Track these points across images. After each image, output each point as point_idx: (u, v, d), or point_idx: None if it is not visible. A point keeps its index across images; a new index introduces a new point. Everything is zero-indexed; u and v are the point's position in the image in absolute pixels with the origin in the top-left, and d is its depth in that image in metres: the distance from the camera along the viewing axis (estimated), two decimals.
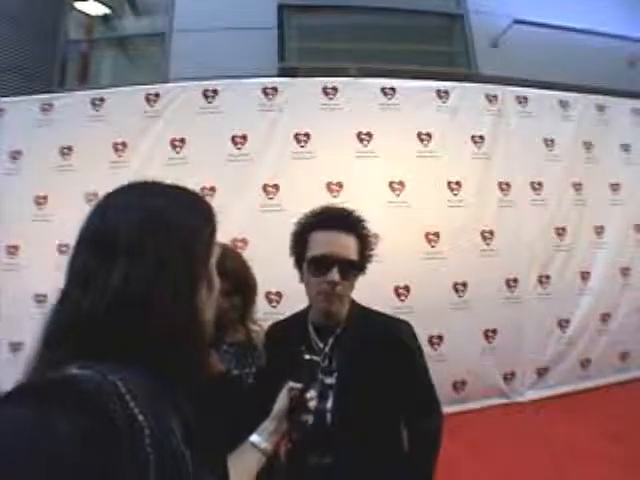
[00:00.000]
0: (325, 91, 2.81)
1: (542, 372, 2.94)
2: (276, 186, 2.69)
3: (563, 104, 3.10)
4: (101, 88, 3.07)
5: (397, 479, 0.98)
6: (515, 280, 2.86)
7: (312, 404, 0.80)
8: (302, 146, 2.74)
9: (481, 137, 2.90)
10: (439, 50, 4.41)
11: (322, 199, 2.38)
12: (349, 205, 1.08)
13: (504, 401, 2.83)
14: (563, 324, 2.96)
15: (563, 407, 2.71)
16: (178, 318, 0.46)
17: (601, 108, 3.18)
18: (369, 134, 2.78)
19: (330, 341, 1.01)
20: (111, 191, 0.51)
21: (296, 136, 2.74)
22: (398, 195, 2.75)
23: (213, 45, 3.92)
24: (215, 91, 2.77)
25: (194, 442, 0.45)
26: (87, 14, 4.46)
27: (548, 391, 2.90)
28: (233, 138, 2.72)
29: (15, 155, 2.77)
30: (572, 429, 2.41)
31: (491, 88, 3.02)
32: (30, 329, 2.46)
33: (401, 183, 2.76)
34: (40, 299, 2.57)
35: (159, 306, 0.44)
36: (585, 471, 2.05)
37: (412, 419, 1.04)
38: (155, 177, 0.54)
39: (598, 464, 2.07)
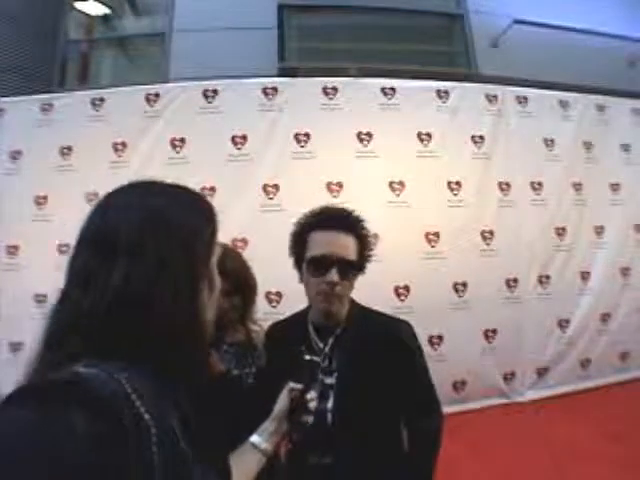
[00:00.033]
0: (325, 91, 2.80)
1: (542, 372, 2.94)
2: (276, 186, 2.69)
3: (563, 104, 3.10)
4: (101, 88, 3.07)
5: (397, 479, 0.98)
6: (515, 280, 2.86)
7: (312, 405, 0.80)
8: (302, 146, 2.74)
9: (481, 137, 2.90)
10: (439, 50, 4.41)
11: (322, 199, 2.38)
12: (349, 205, 1.08)
13: (504, 401, 2.83)
14: (563, 324, 2.96)
15: (563, 407, 2.71)
16: (179, 318, 0.46)
17: (601, 108, 3.18)
18: (369, 134, 2.77)
19: (330, 341, 1.01)
20: (112, 191, 0.51)
21: (296, 136, 2.74)
22: (398, 195, 2.75)
23: (213, 45, 3.92)
24: (215, 91, 2.77)
25: (195, 442, 0.45)
26: (87, 14, 4.46)
27: (548, 391, 2.90)
28: (233, 138, 2.72)
29: (15, 155, 2.77)
30: (572, 429, 2.41)
31: (491, 88, 3.02)
32: (30, 329, 2.47)
33: (401, 183, 2.76)
34: (40, 299, 2.57)
35: (160, 306, 0.44)
36: (585, 471, 2.05)
37: (412, 419, 1.04)
38: (155, 177, 0.54)
39: (598, 464, 2.07)
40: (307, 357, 0.86)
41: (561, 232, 2.98)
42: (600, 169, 3.10)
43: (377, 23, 4.21)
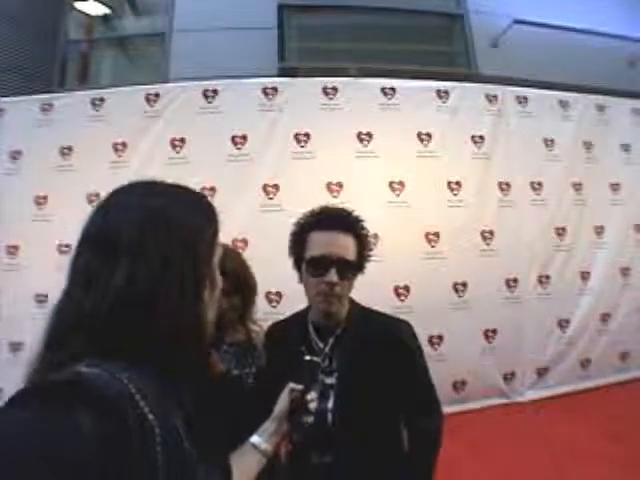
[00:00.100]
0: (325, 91, 2.80)
1: (542, 372, 2.93)
2: (276, 186, 2.69)
3: (563, 104, 3.10)
4: (101, 88, 3.07)
5: (397, 479, 0.98)
6: (515, 280, 2.86)
7: (313, 405, 0.80)
8: (302, 146, 2.74)
9: (481, 137, 2.90)
10: (439, 50, 4.41)
11: (322, 199, 2.38)
12: (349, 205, 1.08)
13: (504, 401, 2.83)
14: (563, 324, 2.96)
15: (563, 407, 2.71)
16: (183, 317, 0.46)
17: (601, 108, 3.18)
18: (369, 134, 2.77)
19: (330, 341, 1.01)
20: (113, 191, 0.51)
21: (296, 136, 2.74)
22: (398, 195, 2.75)
23: (213, 45, 3.92)
24: (215, 91, 2.77)
25: (196, 441, 0.45)
26: (87, 14, 4.46)
27: (548, 391, 2.90)
28: (233, 138, 2.72)
29: (15, 155, 2.77)
30: (572, 429, 2.41)
31: (491, 88, 3.02)
32: (30, 329, 2.48)
33: (401, 183, 2.76)
34: (40, 299, 2.57)
35: (164, 304, 0.45)
36: (585, 471, 2.05)
37: (412, 419, 1.04)
38: (155, 177, 0.54)
39: (598, 464, 2.07)
40: (307, 357, 0.86)
41: (561, 232, 2.98)
42: (600, 169, 3.10)
43: (377, 23, 4.22)
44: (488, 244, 2.82)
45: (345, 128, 2.76)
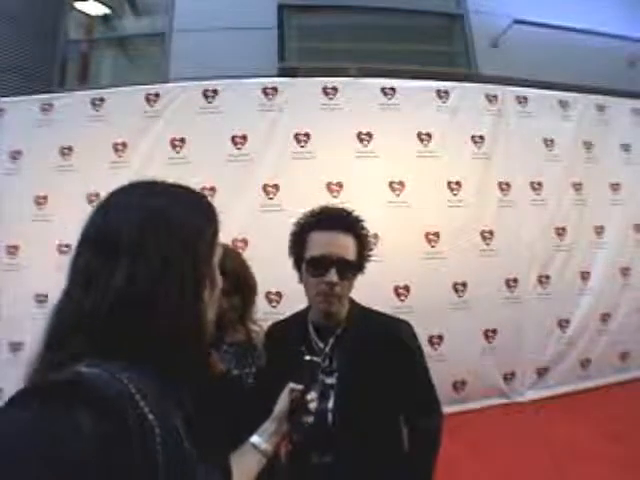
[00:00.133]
0: (325, 91, 2.80)
1: (542, 372, 2.93)
2: (276, 186, 2.69)
3: (563, 104, 3.10)
4: (101, 88, 3.07)
5: (397, 479, 0.98)
6: (515, 280, 2.86)
7: (313, 405, 0.80)
8: (302, 146, 2.74)
9: (481, 137, 2.90)
10: (439, 50, 4.41)
11: (322, 199, 2.38)
12: (349, 205, 1.08)
13: (504, 401, 2.83)
14: (563, 324, 2.96)
15: (563, 407, 2.71)
16: (183, 317, 0.46)
17: (601, 108, 3.18)
18: (369, 134, 2.77)
19: (330, 341, 1.01)
20: (113, 191, 0.51)
21: (296, 136, 2.74)
22: (398, 195, 2.75)
23: (213, 45, 3.92)
24: (215, 91, 2.77)
25: (196, 441, 0.45)
26: (87, 14, 4.46)
27: (548, 391, 2.90)
28: (233, 138, 2.72)
29: (15, 155, 2.77)
30: (572, 429, 2.41)
31: (491, 88, 3.02)
32: (30, 329, 2.47)
33: (401, 183, 2.76)
34: (40, 299, 2.57)
35: (164, 304, 0.45)
36: (585, 471, 2.05)
37: (412, 419, 1.04)
38: (155, 177, 0.54)
39: (598, 464, 2.07)
40: (307, 357, 0.86)
41: (561, 232, 2.98)
42: (600, 169, 3.10)
43: (377, 23, 4.22)
44: (488, 244, 2.82)
45: (345, 128, 2.76)
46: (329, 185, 2.70)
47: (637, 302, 3.08)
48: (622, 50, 4.23)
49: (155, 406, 0.40)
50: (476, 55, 4.17)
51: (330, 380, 0.98)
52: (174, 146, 2.71)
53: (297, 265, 1.04)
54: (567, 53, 4.08)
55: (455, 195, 2.81)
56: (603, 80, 3.90)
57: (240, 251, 1.82)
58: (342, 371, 0.98)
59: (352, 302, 1.07)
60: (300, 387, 0.81)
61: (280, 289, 2.51)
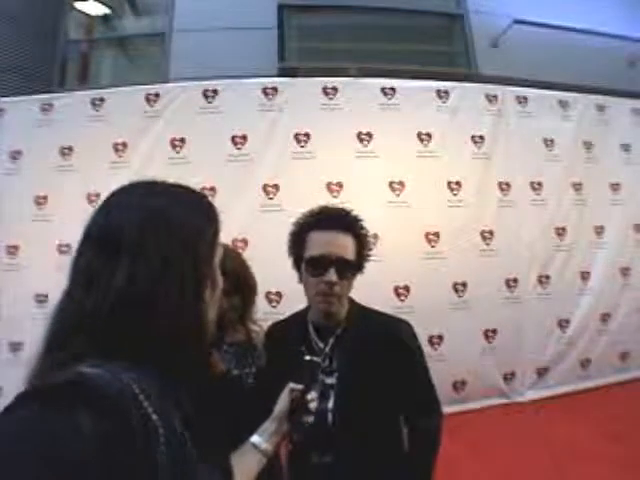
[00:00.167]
0: (325, 91, 2.80)
1: (542, 372, 2.94)
2: (276, 186, 2.69)
3: (563, 104, 3.10)
4: (101, 88, 3.07)
5: (397, 478, 0.98)
6: (515, 280, 2.86)
7: (313, 405, 0.80)
8: (302, 146, 2.74)
9: (481, 137, 2.90)
10: (439, 50, 4.42)
11: (322, 199, 2.39)
12: (349, 205, 1.08)
13: (504, 401, 2.83)
14: (563, 324, 2.96)
15: (563, 407, 2.71)
16: (184, 317, 0.46)
17: (601, 108, 3.18)
18: (369, 134, 2.77)
19: (331, 341, 1.01)
20: (115, 190, 0.52)
21: (296, 136, 2.74)
22: (398, 195, 2.75)
23: (213, 45, 3.92)
24: (215, 91, 2.77)
25: (196, 441, 0.45)
26: (87, 14, 4.47)
27: (548, 391, 2.90)
28: (233, 138, 2.72)
29: (15, 155, 2.77)
30: (572, 429, 2.41)
31: (491, 88, 3.02)
32: (30, 329, 2.47)
33: (401, 183, 2.76)
34: (40, 299, 2.57)
35: (164, 304, 0.45)
36: (585, 471, 2.05)
37: (412, 419, 1.04)
38: (156, 177, 0.54)
39: (598, 464, 2.07)
40: (307, 357, 0.86)
41: (561, 232, 2.98)
42: (600, 169, 3.10)
43: (377, 23, 4.22)
44: (488, 244, 2.82)
45: (345, 128, 2.76)
46: (329, 185, 2.70)
47: (637, 302, 3.08)
48: (622, 50, 4.23)
49: (158, 406, 0.40)
50: (476, 55, 4.17)
51: (330, 380, 0.98)
52: (174, 146, 2.71)
53: (296, 265, 1.04)
54: (567, 53, 4.08)
55: (455, 195, 2.81)
56: (603, 80, 3.90)
57: (240, 251, 1.82)
58: (342, 371, 0.98)
59: (352, 302, 1.07)
60: (300, 387, 0.81)
61: (280, 289, 2.51)
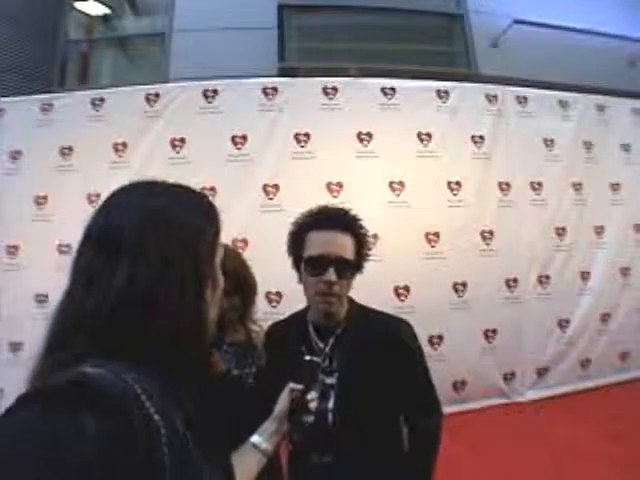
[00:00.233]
0: (325, 91, 2.80)
1: (542, 372, 2.94)
2: (276, 186, 2.69)
3: (563, 104, 3.10)
4: (101, 88, 3.07)
5: (397, 478, 0.98)
6: (515, 280, 2.86)
7: (313, 405, 0.80)
8: (302, 146, 2.74)
9: (481, 137, 2.90)
10: (439, 50, 4.42)
11: (322, 199, 2.38)
12: (349, 205, 1.08)
13: (504, 401, 2.83)
14: (563, 324, 2.96)
15: (563, 407, 2.71)
16: (184, 317, 0.46)
17: (601, 108, 3.18)
18: (369, 134, 2.77)
19: (331, 341, 1.01)
20: (115, 190, 0.52)
21: (296, 136, 2.74)
22: (398, 195, 2.75)
23: (213, 45, 3.92)
24: (215, 91, 2.77)
25: (197, 441, 0.45)
26: (87, 14, 4.47)
27: (548, 391, 2.90)
28: (233, 138, 2.72)
29: (15, 155, 2.76)
30: (572, 429, 2.41)
31: (491, 88, 3.02)
32: (30, 329, 2.48)
33: (401, 183, 2.76)
34: (40, 299, 2.57)
35: (164, 304, 0.44)
36: (585, 471, 2.05)
37: (412, 419, 1.04)
38: (156, 177, 0.54)
39: (598, 464, 2.07)
40: (307, 357, 0.86)
41: (561, 232, 2.98)
42: (600, 169, 3.10)
43: (377, 23, 4.22)
44: (488, 244, 2.82)
45: (345, 128, 2.76)
46: (329, 185, 2.70)
47: (637, 302, 3.08)
48: (622, 50, 4.23)
49: (160, 407, 0.40)
50: (476, 55, 4.17)
51: (330, 380, 0.98)
52: (174, 146, 2.71)
53: (296, 265, 1.04)
54: (567, 53, 4.08)
55: (455, 195, 2.81)
56: (603, 80, 3.90)
57: (240, 251, 1.82)
58: (342, 371, 0.98)
59: (351, 301, 1.07)
60: (300, 387, 0.81)
61: (280, 289, 2.51)
